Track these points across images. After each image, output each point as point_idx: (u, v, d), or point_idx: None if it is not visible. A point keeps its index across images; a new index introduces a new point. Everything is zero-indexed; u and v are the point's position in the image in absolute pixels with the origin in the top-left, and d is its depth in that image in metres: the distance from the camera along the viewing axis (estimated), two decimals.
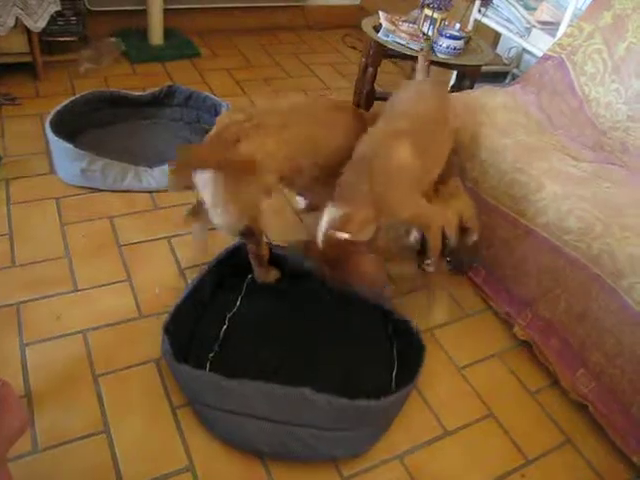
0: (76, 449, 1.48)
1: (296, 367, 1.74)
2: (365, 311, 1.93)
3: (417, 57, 2.51)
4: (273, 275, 1.98)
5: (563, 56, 2.58)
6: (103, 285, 1.93)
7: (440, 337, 1.97)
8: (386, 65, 3.40)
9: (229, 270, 1.97)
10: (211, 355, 1.74)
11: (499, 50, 3.60)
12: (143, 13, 3.36)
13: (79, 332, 1.77)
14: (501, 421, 1.75)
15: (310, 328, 1.89)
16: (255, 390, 1.51)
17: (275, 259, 1.97)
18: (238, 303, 1.93)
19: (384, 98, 2.91)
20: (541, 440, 1.72)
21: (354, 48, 3.93)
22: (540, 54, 2.75)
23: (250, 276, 1.99)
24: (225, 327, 1.85)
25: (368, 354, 1.84)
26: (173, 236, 2.16)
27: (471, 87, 2.71)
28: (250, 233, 1.77)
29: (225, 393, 1.53)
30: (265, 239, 1.85)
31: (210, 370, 1.68)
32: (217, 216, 1.70)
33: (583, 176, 1.99)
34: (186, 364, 1.60)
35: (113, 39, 3.34)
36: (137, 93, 2.73)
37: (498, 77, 3.52)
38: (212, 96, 2.77)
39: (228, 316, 1.88)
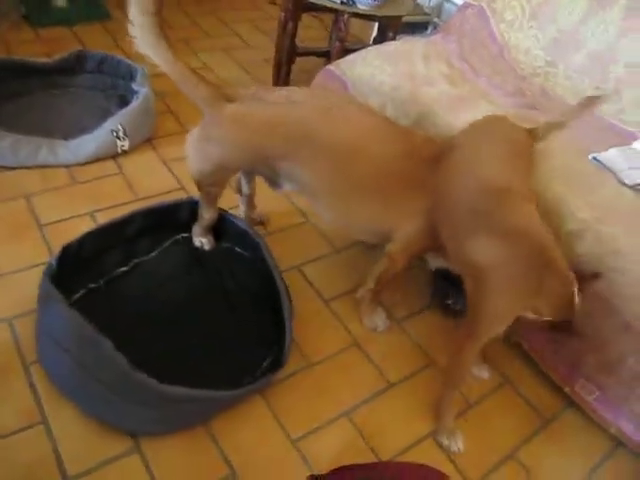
0: (14, 444, 1.41)
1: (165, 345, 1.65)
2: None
3: (339, 10, 2.45)
4: (207, 240, 1.94)
5: (483, 4, 2.59)
6: (26, 269, 1.83)
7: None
8: (305, 19, 3.32)
9: (168, 222, 1.95)
10: (92, 285, 1.76)
11: (420, 0, 3.58)
12: None
13: (4, 320, 1.67)
14: (442, 369, 1.79)
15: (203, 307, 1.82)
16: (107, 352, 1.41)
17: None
18: (153, 254, 1.91)
19: (305, 54, 2.88)
20: (481, 384, 1.78)
21: (274, 3, 3.81)
22: (460, 3, 2.75)
23: (182, 235, 1.96)
24: (124, 269, 1.85)
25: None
26: (95, 210, 2.06)
27: (393, 39, 2.69)
28: (202, 193, 1.78)
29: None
30: (216, 207, 1.84)
31: (79, 300, 1.70)
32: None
33: None
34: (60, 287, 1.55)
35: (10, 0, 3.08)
36: (43, 60, 2.54)
37: (420, 27, 3.50)
38: (126, 60, 2.62)
39: (135, 261, 1.87)
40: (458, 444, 1.59)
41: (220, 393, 1.48)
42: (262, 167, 1.71)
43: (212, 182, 1.75)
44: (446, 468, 1.54)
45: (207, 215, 1.86)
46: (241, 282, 1.89)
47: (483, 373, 1.80)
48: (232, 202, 2.06)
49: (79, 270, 1.75)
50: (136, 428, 1.48)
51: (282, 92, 1.66)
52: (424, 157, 1.61)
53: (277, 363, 1.60)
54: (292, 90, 1.69)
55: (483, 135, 1.67)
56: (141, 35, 1.55)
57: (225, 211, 1.94)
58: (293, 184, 1.72)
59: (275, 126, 1.58)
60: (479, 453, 1.60)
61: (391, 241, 1.71)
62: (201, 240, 1.94)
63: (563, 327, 1.45)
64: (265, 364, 1.65)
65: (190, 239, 1.96)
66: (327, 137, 1.58)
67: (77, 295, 1.73)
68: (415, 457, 1.55)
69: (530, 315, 1.44)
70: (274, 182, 1.78)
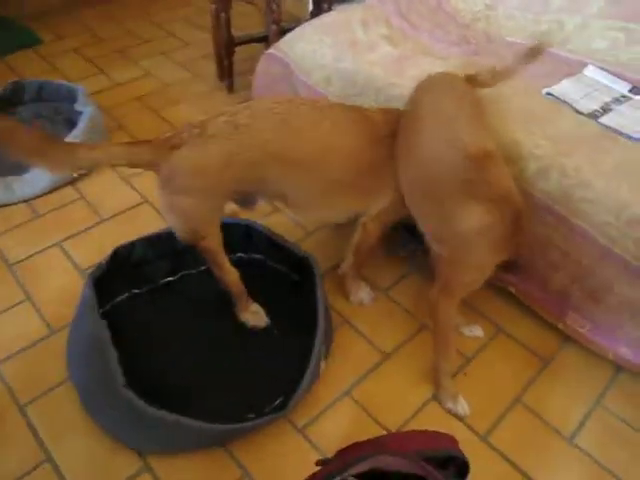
0: None
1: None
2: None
3: None
4: (254, 315, 1.75)
5: None
6: (2, 312, 1.80)
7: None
8: (241, 7, 3.26)
9: None
10: (135, 291, 1.82)
11: None
12: None
13: None
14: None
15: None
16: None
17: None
18: (201, 269, 1.87)
19: (244, 42, 2.83)
20: (475, 337, 1.79)
21: None
22: None
23: (236, 255, 1.90)
24: (170, 279, 1.87)
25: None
26: (63, 240, 2.03)
27: (329, 10, 2.65)
28: (200, 250, 1.61)
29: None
30: (229, 267, 1.66)
31: (120, 303, 1.77)
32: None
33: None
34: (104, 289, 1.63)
35: None
36: None
37: None
38: (65, 83, 2.57)
39: (182, 273, 1.89)
40: (464, 407, 1.59)
41: (208, 426, 1.40)
42: (236, 196, 1.63)
43: (203, 233, 1.56)
44: (454, 426, 1.55)
45: (228, 277, 1.66)
46: (287, 309, 1.79)
47: (476, 332, 1.79)
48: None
49: (126, 274, 1.79)
50: (139, 447, 1.47)
51: (222, 118, 1.48)
52: (387, 134, 1.63)
53: (284, 405, 1.51)
54: (232, 113, 1.49)
55: (438, 98, 1.63)
56: (56, 168, 1.46)
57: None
58: (267, 199, 1.69)
59: (234, 162, 1.46)
60: (484, 405, 1.61)
61: (365, 215, 1.71)
62: (247, 317, 1.74)
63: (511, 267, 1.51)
64: (277, 402, 1.54)
65: (242, 261, 1.87)
66: (292, 151, 1.53)
67: (119, 299, 1.79)
68: (422, 422, 1.56)
69: None
70: (247, 202, 1.71)
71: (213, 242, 1.59)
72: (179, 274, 1.90)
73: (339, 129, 1.59)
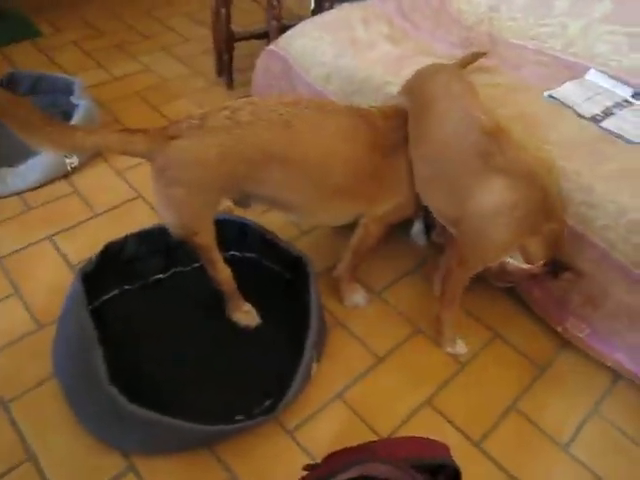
0: None
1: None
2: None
3: None
4: (245, 314, 1.72)
5: None
6: None
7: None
8: (241, 2, 3.25)
9: None
10: (127, 287, 1.79)
11: None
12: None
13: None
14: (429, 334, 1.77)
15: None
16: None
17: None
18: (194, 266, 1.82)
19: (245, 38, 2.81)
20: (471, 342, 1.75)
21: None
22: None
23: (229, 253, 1.86)
24: (161, 276, 1.84)
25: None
26: (54, 234, 2.00)
27: (331, 8, 2.62)
28: (192, 246, 1.57)
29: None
30: (222, 265, 1.62)
31: (110, 300, 1.74)
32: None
33: None
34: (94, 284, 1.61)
35: None
36: None
37: None
38: (62, 75, 2.55)
39: (174, 270, 1.86)
40: (462, 347, 1.71)
41: (193, 426, 1.35)
42: (232, 195, 1.59)
43: (196, 228, 1.52)
44: (446, 431, 1.52)
45: (220, 275, 1.63)
46: (281, 309, 1.77)
47: (459, 349, 1.73)
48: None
49: (117, 270, 1.77)
50: (124, 446, 1.44)
51: (223, 112, 1.45)
52: (389, 140, 1.62)
53: (274, 408, 1.47)
54: (234, 109, 1.46)
55: (444, 82, 1.64)
56: (50, 146, 1.40)
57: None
58: (265, 203, 1.64)
59: (232, 157, 1.44)
60: (478, 410, 1.58)
61: (366, 215, 1.69)
62: (238, 316, 1.72)
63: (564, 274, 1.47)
64: (267, 404, 1.51)
65: (235, 259, 1.84)
66: (296, 155, 1.50)
67: (109, 294, 1.77)
68: (415, 427, 1.53)
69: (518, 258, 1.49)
70: (242, 203, 1.67)
71: (206, 238, 1.55)
72: (171, 271, 1.87)
73: (342, 135, 1.57)
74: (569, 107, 1.83)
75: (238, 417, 1.46)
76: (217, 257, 1.60)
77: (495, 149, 1.44)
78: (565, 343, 1.74)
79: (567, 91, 1.91)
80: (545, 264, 1.45)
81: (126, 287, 1.80)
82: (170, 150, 1.41)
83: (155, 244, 1.81)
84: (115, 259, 1.75)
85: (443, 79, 1.64)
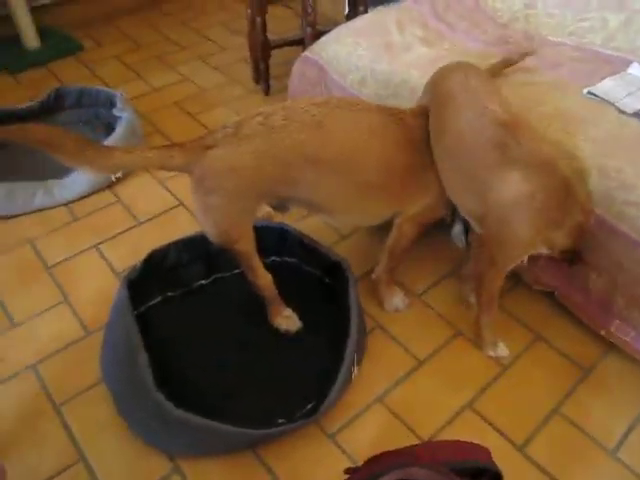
0: None
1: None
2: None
3: None
4: (286, 319, 1.73)
5: None
6: (41, 313, 1.83)
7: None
8: (277, 10, 3.29)
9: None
10: (170, 293, 1.84)
11: None
12: (9, 18, 3.11)
13: (28, 368, 1.68)
14: (470, 336, 1.76)
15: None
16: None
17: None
18: (235, 272, 1.85)
19: (280, 46, 2.84)
20: (513, 344, 1.73)
21: (242, 1, 3.76)
22: None
23: (270, 259, 1.90)
24: (203, 282, 1.88)
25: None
26: (99, 243, 2.06)
27: (365, 12, 2.63)
28: (233, 253, 1.60)
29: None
30: (262, 270, 1.64)
31: (154, 306, 1.79)
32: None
33: None
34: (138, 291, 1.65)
35: None
36: (24, 105, 2.54)
37: None
38: (104, 89, 2.62)
39: (216, 276, 1.89)
40: (504, 350, 1.69)
41: (237, 430, 1.38)
42: (269, 200, 1.62)
43: (236, 236, 1.55)
44: (488, 435, 1.51)
45: (261, 281, 1.65)
46: (320, 313, 1.78)
47: (501, 352, 1.71)
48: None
49: (160, 277, 1.81)
50: (170, 449, 1.48)
51: (257, 119, 1.47)
52: (420, 137, 1.63)
53: (314, 410, 1.49)
54: (267, 114, 1.48)
55: (463, 78, 1.63)
56: (91, 169, 1.47)
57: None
58: (300, 205, 1.66)
59: (268, 163, 1.47)
60: (521, 414, 1.56)
61: (400, 215, 1.70)
62: (279, 321, 1.73)
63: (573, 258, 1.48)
64: (308, 407, 1.53)
65: (275, 264, 1.87)
66: (329, 154, 1.52)
67: (153, 301, 1.81)
68: (456, 430, 1.52)
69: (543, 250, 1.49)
70: (280, 207, 1.70)
71: (246, 245, 1.58)
72: (212, 277, 1.91)
73: (374, 132, 1.58)
74: (610, 103, 1.79)
75: (280, 420, 1.48)
76: (257, 264, 1.63)
77: (511, 141, 1.44)
78: (610, 345, 1.70)
79: (607, 87, 1.87)
80: (564, 252, 1.47)
81: (169, 294, 1.84)
82: (206, 160, 1.44)
83: (197, 251, 1.85)
84: (159, 266, 1.80)
85: (460, 75, 1.64)
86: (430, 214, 1.72)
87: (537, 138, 1.49)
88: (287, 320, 1.73)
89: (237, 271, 1.83)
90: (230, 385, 1.60)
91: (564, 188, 1.41)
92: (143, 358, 1.45)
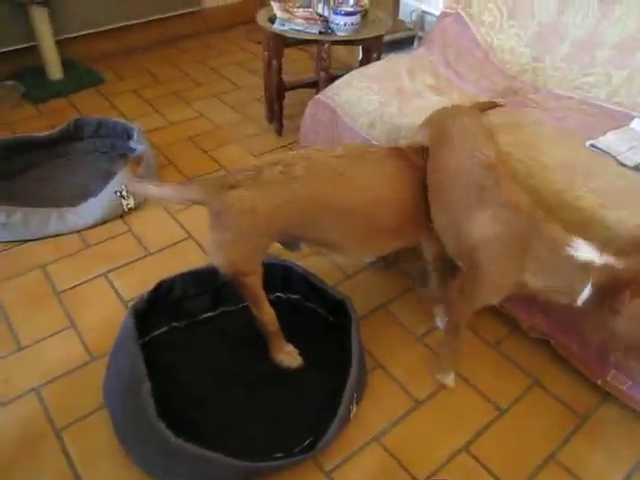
0: None
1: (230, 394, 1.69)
2: None
3: (318, 40, 2.51)
4: (287, 355, 1.75)
5: (460, 11, 2.61)
6: (47, 337, 1.87)
7: (395, 311, 1.98)
8: (292, 52, 3.39)
9: None
10: (175, 324, 1.85)
11: (401, 16, 3.62)
12: (36, 49, 3.24)
13: (31, 390, 1.70)
14: (468, 378, 1.77)
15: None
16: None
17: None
18: (240, 306, 1.88)
19: (294, 87, 2.93)
20: (510, 388, 1.75)
21: (259, 43, 3.87)
22: (438, 13, 2.78)
23: (275, 295, 1.94)
24: (209, 314, 1.90)
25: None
26: (109, 271, 2.11)
27: (378, 59, 2.72)
28: (240, 287, 1.64)
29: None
30: (267, 306, 1.68)
31: (159, 336, 1.80)
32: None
33: (499, 122, 2.01)
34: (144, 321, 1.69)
35: (10, 82, 3.23)
36: (44, 133, 2.62)
37: (406, 43, 3.54)
38: (122, 121, 2.71)
39: (222, 309, 1.91)
40: (451, 379, 1.74)
41: (235, 462, 1.39)
42: (282, 239, 1.69)
43: (245, 271, 1.59)
44: (483, 479, 1.51)
45: (265, 316, 1.68)
46: (321, 350, 1.80)
47: (449, 382, 1.75)
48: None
49: (167, 308, 1.84)
50: (168, 479, 1.48)
51: (278, 167, 1.54)
52: (421, 165, 1.70)
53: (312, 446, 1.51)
54: (287, 163, 1.56)
55: (463, 120, 1.69)
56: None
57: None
58: (314, 244, 1.73)
59: (287, 209, 1.53)
60: (517, 460, 1.56)
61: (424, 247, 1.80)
62: (281, 357, 1.74)
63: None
64: (306, 443, 1.54)
65: (280, 301, 1.91)
66: (349, 204, 1.59)
67: (158, 331, 1.83)
68: (450, 472, 1.52)
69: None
70: (291, 246, 1.76)
71: (254, 279, 1.62)
72: (218, 310, 1.93)
73: (388, 178, 1.66)
74: (611, 156, 1.84)
75: (278, 455, 1.49)
76: (263, 298, 1.66)
77: (491, 183, 1.49)
78: (607, 393, 1.71)
79: (610, 141, 1.92)
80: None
81: (175, 324, 1.87)
82: (228, 198, 1.50)
83: (203, 284, 1.89)
84: (165, 297, 1.84)
85: (462, 120, 1.70)
86: None
87: (510, 183, 1.53)
88: (288, 356, 1.75)
89: (242, 305, 1.85)
90: (230, 418, 1.62)
91: (529, 226, 1.42)
92: (146, 388, 1.47)
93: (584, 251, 1.36)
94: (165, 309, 1.84)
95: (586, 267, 1.35)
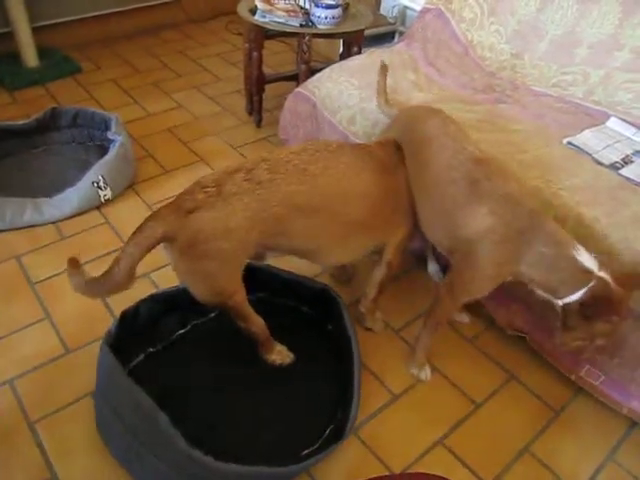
0: None
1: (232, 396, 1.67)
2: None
3: (299, 33, 2.50)
4: (279, 354, 1.74)
5: (441, 6, 2.62)
6: (22, 329, 1.84)
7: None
8: (273, 45, 3.38)
9: None
10: (151, 350, 1.75)
11: (383, 11, 3.63)
12: (10, 35, 3.17)
13: (5, 383, 1.68)
14: (445, 373, 1.79)
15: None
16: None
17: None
18: (211, 315, 1.86)
19: (275, 80, 2.92)
20: (486, 383, 1.77)
21: (240, 34, 3.85)
22: (419, 8, 2.78)
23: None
24: (181, 332, 1.83)
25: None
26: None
27: (359, 53, 2.71)
28: (227, 310, 1.58)
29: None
30: (255, 317, 1.62)
31: (139, 365, 1.70)
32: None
33: (477, 118, 2.03)
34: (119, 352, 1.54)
35: None
36: (20, 122, 2.57)
37: (387, 38, 3.55)
38: (99, 111, 2.66)
39: (193, 323, 1.85)
40: (426, 373, 1.76)
41: (276, 470, 1.38)
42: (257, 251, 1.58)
43: (230, 292, 1.52)
44: (459, 471, 1.53)
45: (254, 327, 1.63)
46: (305, 342, 1.80)
47: (463, 318, 1.88)
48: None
49: (138, 335, 1.74)
50: None
51: (239, 175, 1.43)
52: (391, 167, 1.68)
53: (339, 433, 1.51)
54: (248, 170, 1.45)
55: (442, 121, 1.68)
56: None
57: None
58: (284, 253, 1.65)
59: (261, 219, 1.43)
60: (491, 452, 1.59)
61: (386, 249, 1.75)
62: (273, 358, 1.72)
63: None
64: (327, 433, 1.56)
65: (255, 301, 1.71)
66: (317, 200, 1.51)
67: (136, 360, 1.73)
68: (428, 466, 1.54)
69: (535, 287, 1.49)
70: (259, 258, 1.65)
71: (239, 298, 1.55)
72: (189, 325, 1.86)
73: (352, 169, 1.60)
74: (587, 154, 1.87)
75: (305, 452, 1.50)
76: (250, 312, 1.60)
77: (482, 176, 1.50)
78: (580, 387, 1.74)
79: (586, 138, 1.95)
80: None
81: (151, 349, 1.77)
82: (193, 224, 1.37)
83: (167, 303, 1.82)
84: (133, 325, 1.74)
85: (437, 120, 1.69)
86: (410, 240, 1.78)
87: (506, 175, 1.55)
88: (280, 355, 1.73)
89: (212, 315, 1.85)
90: (244, 429, 1.59)
91: (527, 220, 1.43)
92: (164, 419, 1.37)
93: (586, 258, 1.38)
94: (136, 337, 1.74)
95: (587, 273, 1.37)
